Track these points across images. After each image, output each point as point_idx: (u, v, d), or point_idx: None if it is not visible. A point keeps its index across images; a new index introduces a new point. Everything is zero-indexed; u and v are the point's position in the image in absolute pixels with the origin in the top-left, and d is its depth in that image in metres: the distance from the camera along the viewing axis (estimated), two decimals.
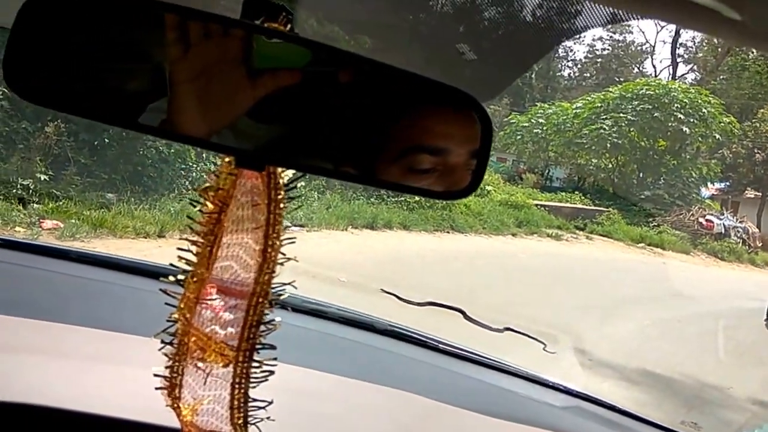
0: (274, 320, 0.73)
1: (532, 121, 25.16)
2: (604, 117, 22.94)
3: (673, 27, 34.10)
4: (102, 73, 0.61)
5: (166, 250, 7.82)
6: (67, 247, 2.27)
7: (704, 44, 34.81)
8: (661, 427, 1.70)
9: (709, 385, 7.52)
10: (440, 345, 1.78)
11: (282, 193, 0.70)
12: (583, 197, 22.26)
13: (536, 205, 18.71)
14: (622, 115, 22.63)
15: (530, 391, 1.67)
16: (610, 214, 20.06)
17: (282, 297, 0.74)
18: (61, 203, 8.26)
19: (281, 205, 0.70)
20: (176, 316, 0.74)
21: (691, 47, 37.05)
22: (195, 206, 0.71)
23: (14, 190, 8.01)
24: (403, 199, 13.74)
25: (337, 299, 2.03)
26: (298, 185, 0.71)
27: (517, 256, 13.10)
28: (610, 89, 24.77)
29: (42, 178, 8.33)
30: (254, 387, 0.74)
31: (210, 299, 0.72)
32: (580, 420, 1.60)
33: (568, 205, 20.62)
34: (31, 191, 8.14)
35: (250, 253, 0.71)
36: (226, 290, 0.72)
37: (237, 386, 0.73)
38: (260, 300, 0.72)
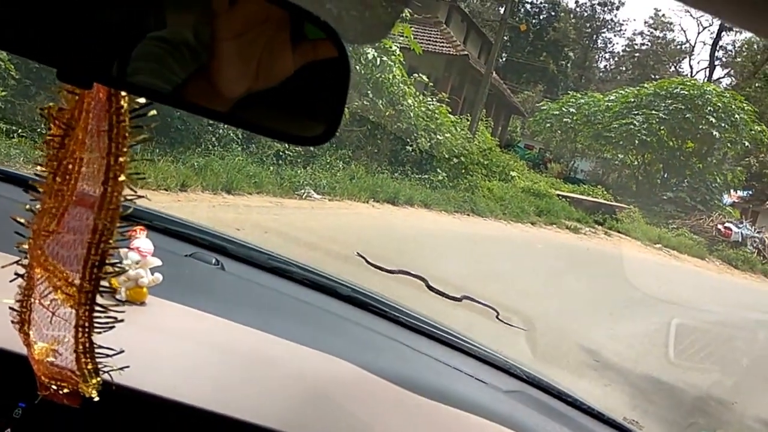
0: (121, 262, 0.69)
1: (563, 109, 24.61)
2: (636, 112, 22.33)
3: (715, 28, 33.02)
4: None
5: (184, 205, 7.62)
6: None
7: (744, 49, 33.62)
8: (605, 420, 1.64)
9: (714, 397, 7.27)
10: (399, 317, 1.71)
11: (126, 119, 0.62)
12: (605, 192, 21.70)
13: (558, 195, 18.19)
14: (654, 112, 22.01)
15: (479, 372, 1.60)
16: (631, 212, 19.52)
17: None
18: None
19: (125, 134, 0.62)
20: (25, 246, 0.68)
21: (731, 51, 35.83)
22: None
23: (39, 130, 7.75)
24: (426, 177, 13.33)
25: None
26: (148, 113, 0.63)
27: (534, 246, 12.69)
28: (645, 85, 24.10)
29: None
30: (100, 333, 0.68)
31: (52, 232, 0.66)
32: (520, 406, 1.51)
33: (589, 198, 20.04)
34: None
35: (93, 186, 0.64)
36: (69, 225, 0.66)
37: (81, 330, 0.67)
38: (102, 238, 0.64)
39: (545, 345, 6.34)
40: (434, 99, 14.98)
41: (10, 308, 0.71)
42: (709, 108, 21.70)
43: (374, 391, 1.22)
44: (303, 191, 10.10)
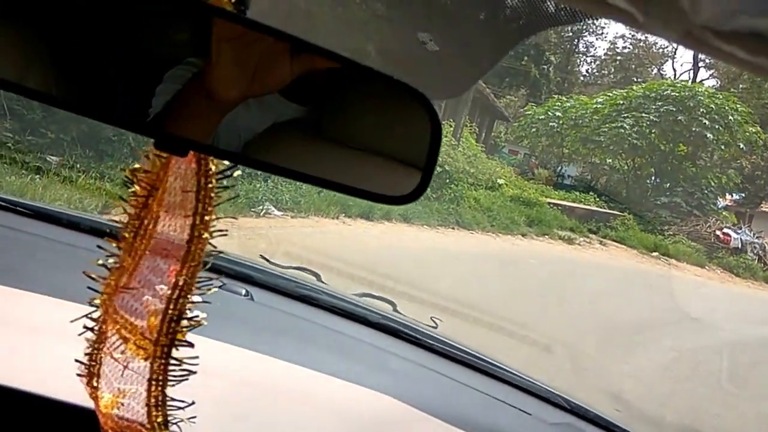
0: (198, 317, 0.68)
1: (549, 113, 23.26)
2: (625, 115, 21.03)
3: None
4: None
5: None
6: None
7: None
8: None
9: None
10: (433, 344, 1.63)
11: (213, 181, 0.63)
12: (597, 198, 20.25)
13: (549, 203, 16.68)
14: (644, 115, 20.72)
15: (522, 403, 1.52)
16: (625, 219, 18.05)
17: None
18: None
19: (212, 194, 0.63)
20: (98, 301, 0.68)
21: None
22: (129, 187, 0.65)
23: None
24: None
25: None
26: (235, 174, 0.64)
27: (527, 262, 11.14)
28: (633, 87, 22.89)
29: None
30: (173, 385, 0.67)
31: (131, 288, 0.66)
32: None
33: (581, 206, 18.55)
34: None
35: (176, 244, 0.64)
36: (148, 280, 0.66)
37: (154, 383, 0.67)
38: (182, 293, 0.65)
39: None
40: None
41: (77, 360, 0.70)
42: (701, 110, 20.45)
43: (421, 428, 1.16)
44: (261, 207, 8.49)
